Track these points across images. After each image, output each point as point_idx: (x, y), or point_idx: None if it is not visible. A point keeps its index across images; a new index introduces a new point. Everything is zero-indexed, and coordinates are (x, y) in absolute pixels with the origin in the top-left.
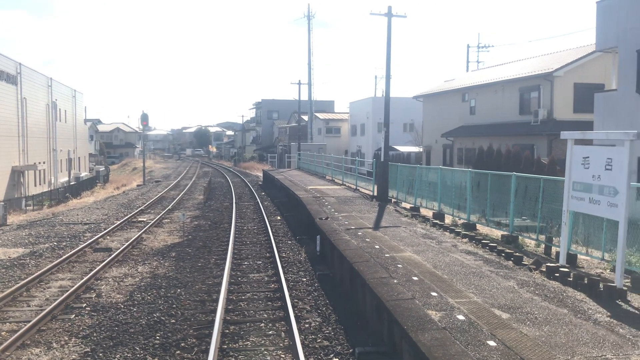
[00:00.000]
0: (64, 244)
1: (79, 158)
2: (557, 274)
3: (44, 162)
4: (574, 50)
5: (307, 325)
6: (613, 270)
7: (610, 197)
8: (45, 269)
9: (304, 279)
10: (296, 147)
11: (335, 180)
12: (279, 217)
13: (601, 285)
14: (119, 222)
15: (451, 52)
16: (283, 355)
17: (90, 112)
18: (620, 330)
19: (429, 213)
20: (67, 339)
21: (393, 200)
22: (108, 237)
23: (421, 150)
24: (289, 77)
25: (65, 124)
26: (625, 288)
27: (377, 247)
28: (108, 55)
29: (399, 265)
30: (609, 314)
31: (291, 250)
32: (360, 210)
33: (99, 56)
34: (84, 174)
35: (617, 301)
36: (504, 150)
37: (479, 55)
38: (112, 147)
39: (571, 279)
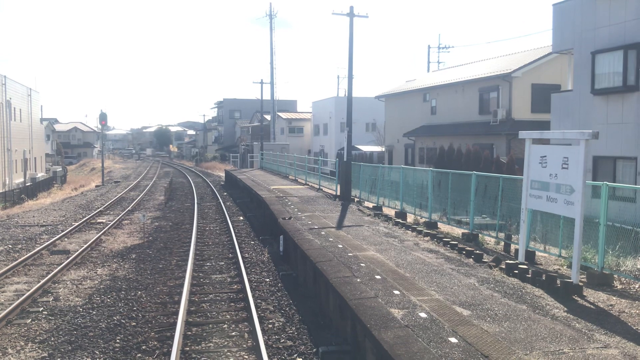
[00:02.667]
0: (20, 246)
1: (35, 158)
2: (516, 271)
3: None
4: (532, 52)
5: (270, 326)
6: (570, 266)
7: (566, 195)
8: None
9: (267, 280)
10: (259, 146)
11: (299, 180)
12: (241, 218)
13: (558, 282)
14: (77, 224)
15: (412, 52)
16: (246, 356)
17: (47, 111)
18: (577, 324)
19: (391, 212)
20: (23, 344)
21: (356, 199)
22: (66, 239)
23: (383, 149)
24: (251, 76)
25: (21, 123)
26: (581, 284)
27: (340, 246)
28: (65, 53)
29: (362, 264)
30: (565, 309)
31: (254, 251)
32: (323, 210)
33: (55, 54)
34: (41, 174)
35: (574, 296)
36: (465, 150)
37: (440, 55)
38: (69, 147)
39: (530, 276)
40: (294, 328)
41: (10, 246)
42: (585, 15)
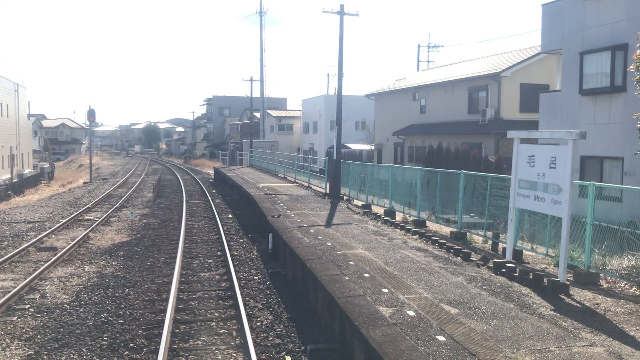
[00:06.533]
0: (6, 243)
1: (22, 154)
2: (504, 270)
3: None
4: (521, 52)
5: (259, 324)
6: (557, 265)
7: (554, 194)
8: None
9: (256, 277)
10: (248, 144)
11: (288, 178)
12: (230, 215)
13: (545, 280)
14: (64, 221)
15: (402, 51)
16: (235, 354)
17: (35, 107)
18: (563, 323)
19: (380, 210)
20: (9, 341)
21: (345, 197)
22: (53, 236)
23: (373, 148)
24: (241, 73)
25: (7, 119)
26: (567, 282)
27: (329, 244)
28: (53, 49)
29: (350, 263)
30: (552, 307)
31: (243, 249)
32: (312, 208)
33: (43, 49)
34: (28, 170)
35: (560, 295)
36: (453, 149)
37: (430, 54)
38: (57, 144)
39: (517, 274)
40: (282, 326)
41: None
42: (574, 15)
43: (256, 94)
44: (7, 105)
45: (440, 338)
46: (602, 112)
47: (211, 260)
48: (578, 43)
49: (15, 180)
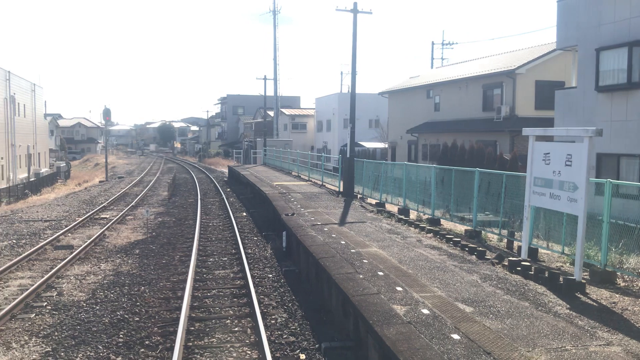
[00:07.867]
0: (24, 241)
1: (38, 154)
2: (519, 268)
3: (2, 158)
4: (536, 49)
5: (273, 321)
6: (572, 263)
7: (570, 192)
8: (3, 267)
9: (270, 275)
10: (262, 142)
11: (302, 176)
12: (244, 214)
13: (561, 279)
14: (80, 219)
15: (416, 48)
16: (249, 352)
17: (51, 107)
18: (579, 322)
19: (394, 208)
20: (27, 338)
21: (359, 196)
22: (69, 234)
23: (387, 146)
24: (254, 72)
25: (25, 118)
26: (584, 281)
27: (343, 242)
28: (69, 49)
29: (364, 261)
30: (568, 306)
31: (257, 247)
32: (326, 206)
33: (59, 50)
34: (44, 169)
35: (576, 294)
36: (468, 147)
37: (444, 52)
38: (73, 143)
39: (532, 273)
40: (296, 324)
41: (14, 241)
42: (590, 11)
43: (270, 92)
44: (24, 105)
45: (455, 336)
46: (619, 109)
47: (226, 258)
48: (594, 39)
49: (32, 179)
